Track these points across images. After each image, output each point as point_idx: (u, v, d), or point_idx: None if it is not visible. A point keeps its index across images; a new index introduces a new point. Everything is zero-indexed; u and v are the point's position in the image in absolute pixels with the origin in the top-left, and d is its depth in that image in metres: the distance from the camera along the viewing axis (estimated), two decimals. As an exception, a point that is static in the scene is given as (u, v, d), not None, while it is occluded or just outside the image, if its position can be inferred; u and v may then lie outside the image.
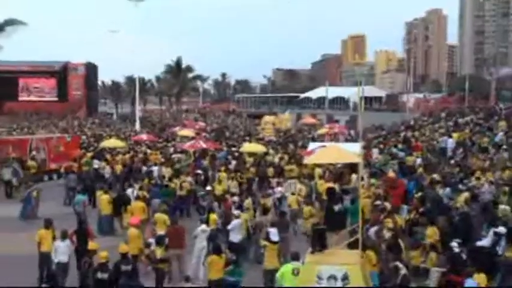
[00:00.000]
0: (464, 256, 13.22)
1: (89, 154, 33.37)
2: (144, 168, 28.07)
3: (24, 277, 13.98)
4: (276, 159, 31.08)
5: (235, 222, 16.36)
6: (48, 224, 14.87)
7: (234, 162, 29.96)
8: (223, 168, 27.02)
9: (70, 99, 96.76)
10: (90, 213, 20.36)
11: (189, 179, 24.51)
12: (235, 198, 19.20)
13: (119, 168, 28.51)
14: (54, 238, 14.32)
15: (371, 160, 29.36)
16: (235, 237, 16.08)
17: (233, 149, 36.78)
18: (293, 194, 21.49)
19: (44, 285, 11.91)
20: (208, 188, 21.77)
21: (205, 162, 30.15)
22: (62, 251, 13.79)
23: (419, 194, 19.10)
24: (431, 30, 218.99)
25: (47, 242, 14.34)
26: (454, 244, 13.64)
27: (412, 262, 14.28)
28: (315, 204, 21.60)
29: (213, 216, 16.94)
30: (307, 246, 15.20)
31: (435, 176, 22.25)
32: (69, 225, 16.08)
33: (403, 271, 12.11)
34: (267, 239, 14.17)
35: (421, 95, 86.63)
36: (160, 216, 16.95)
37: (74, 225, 16.30)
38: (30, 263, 14.81)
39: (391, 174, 23.18)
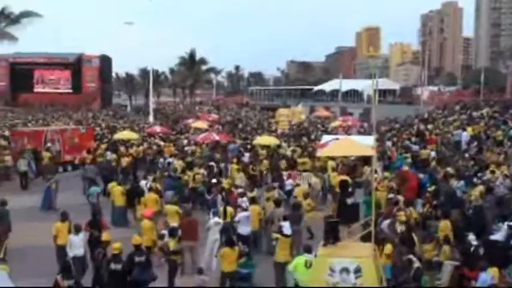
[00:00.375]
0: (480, 250, 13.17)
1: (103, 146, 33.61)
2: (161, 160, 28.17)
3: (41, 267, 14.11)
4: (289, 152, 31.05)
5: (242, 214, 16.40)
6: (64, 217, 14.93)
7: (247, 155, 30.03)
8: (235, 161, 27.08)
9: (84, 91, 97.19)
10: (106, 205, 20.45)
11: (202, 171, 24.57)
12: (240, 190, 19.26)
13: (125, 161, 28.63)
14: (69, 231, 14.32)
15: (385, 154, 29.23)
16: (243, 229, 16.09)
17: (246, 141, 36.81)
18: (310, 184, 21.56)
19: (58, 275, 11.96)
20: (214, 180, 21.66)
21: (218, 155, 30.21)
22: (76, 245, 13.75)
23: (433, 187, 19.04)
24: (446, 22, 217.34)
25: (63, 235, 14.39)
26: (472, 237, 13.59)
27: (425, 255, 14.26)
28: (327, 197, 21.67)
29: (230, 209, 16.96)
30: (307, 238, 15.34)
31: (449, 169, 22.15)
32: (85, 216, 16.29)
33: (416, 264, 12.10)
34: (280, 232, 14.19)
35: (435, 88, 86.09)
36: (171, 208, 17.05)
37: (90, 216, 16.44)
38: (46, 254, 14.98)
39: (404, 167, 23.12)
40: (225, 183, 21.74)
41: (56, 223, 14.85)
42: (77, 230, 13.96)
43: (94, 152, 30.78)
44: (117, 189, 20.36)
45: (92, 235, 14.75)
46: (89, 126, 44.79)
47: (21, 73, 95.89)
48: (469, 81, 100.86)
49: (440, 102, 64.09)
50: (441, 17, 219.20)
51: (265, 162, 28.28)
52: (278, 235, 14.04)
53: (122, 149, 32.33)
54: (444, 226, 14.85)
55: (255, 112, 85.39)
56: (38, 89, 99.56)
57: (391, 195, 18.32)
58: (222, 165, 27.20)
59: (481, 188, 18.41)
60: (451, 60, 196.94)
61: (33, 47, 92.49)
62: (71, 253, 13.61)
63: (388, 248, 12.83)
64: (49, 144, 31.42)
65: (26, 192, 26.10)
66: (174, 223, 16.02)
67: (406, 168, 23.00)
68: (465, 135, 31.97)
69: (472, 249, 13.17)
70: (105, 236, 13.57)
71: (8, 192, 22.95)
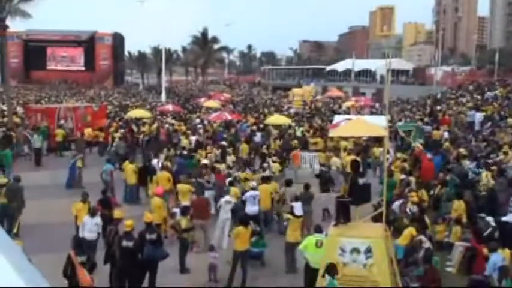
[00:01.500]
0: (496, 233, 13.17)
1: (115, 124, 33.74)
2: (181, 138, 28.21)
3: (53, 244, 14.25)
4: (299, 133, 31.02)
5: (248, 193, 16.37)
6: (84, 197, 14.93)
7: (259, 134, 29.98)
8: (243, 140, 27.11)
9: (97, 69, 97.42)
10: (120, 183, 20.60)
11: (215, 150, 24.60)
12: (225, 171, 19.74)
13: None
14: (89, 211, 14.08)
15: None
16: (250, 208, 16.05)
17: (258, 121, 36.79)
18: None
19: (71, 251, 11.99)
20: (205, 161, 21.25)
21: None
22: (88, 228, 13.37)
23: (445, 167, 18.99)
24: (461, 1, 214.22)
25: (82, 216, 14.18)
26: (490, 219, 13.57)
27: (437, 236, 14.26)
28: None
29: (235, 190, 16.99)
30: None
31: (462, 150, 22.03)
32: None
33: (427, 245, 12.11)
34: (291, 212, 14.20)
35: (449, 68, 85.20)
36: (184, 187, 17.07)
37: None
38: (58, 230, 15.15)
39: (418, 147, 23.05)
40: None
41: (76, 203, 14.84)
42: (93, 213, 13.65)
43: (106, 130, 30.95)
44: (129, 168, 20.42)
45: (103, 213, 14.88)
46: (102, 104, 44.96)
47: (35, 50, 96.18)
48: (483, 61, 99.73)
49: (454, 83, 63.52)
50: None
51: (277, 142, 28.25)
52: (290, 216, 14.06)
53: (134, 127, 32.49)
54: (458, 206, 14.81)
55: (267, 92, 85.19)
56: (50, 66, 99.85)
57: (402, 176, 18.29)
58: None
59: (493, 169, 18.30)
60: (465, 40, 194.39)
61: (46, 25, 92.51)
62: (81, 234, 13.52)
63: (411, 231, 12.81)
64: (62, 122, 31.57)
65: (40, 169, 26.27)
66: (185, 202, 16.11)
67: (419, 147, 22.93)
68: (478, 116, 31.71)
69: (489, 230, 13.15)
70: (117, 213, 13.62)
71: (21, 169, 23.16)
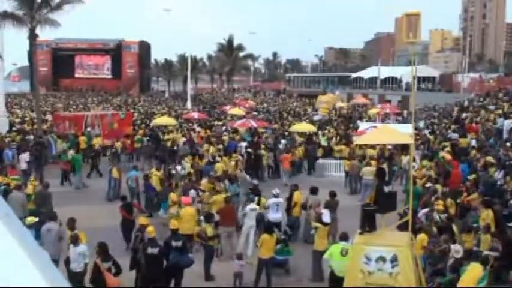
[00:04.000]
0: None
1: (141, 131, 34.01)
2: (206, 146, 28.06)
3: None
4: (323, 141, 30.92)
5: (271, 200, 16.37)
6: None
7: (283, 142, 29.93)
8: (262, 146, 27.09)
9: (124, 76, 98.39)
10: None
11: (239, 157, 24.65)
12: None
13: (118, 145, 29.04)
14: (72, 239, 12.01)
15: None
16: (273, 216, 16.07)
17: (283, 128, 36.79)
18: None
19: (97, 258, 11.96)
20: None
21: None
22: (72, 258, 11.72)
23: (473, 176, 18.74)
24: (489, 8, 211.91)
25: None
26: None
27: (465, 245, 14.06)
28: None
29: (263, 200, 16.94)
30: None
31: (489, 158, 21.72)
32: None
33: (460, 254, 11.83)
34: (319, 220, 14.12)
35: (476, 75, 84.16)
36: (221, 198, 16.52)
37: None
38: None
39: (446, 156, 22.79)
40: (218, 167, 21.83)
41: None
42: (75, 241, 11.73)
43: (132, 137, 31.18)
44: (155, 175, 20.44)
45: (125, 218, 15.00)
46: (128, 112, 45.38)
47: (63, 58, 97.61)
48: (511, 68, 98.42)
49: (482, 90, 62.68)
50: (484, 2, 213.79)
51: (301, 149, 28.17)
52: (318, 224, 13.95)
53: (160, 134, 32.74)
54: (486, 215, 14.60)
55: (291, 100, 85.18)
56: (78, 74, 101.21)
57: (428, 184, 18.11)
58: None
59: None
60: (493, 47, 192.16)
61: (75, 33, 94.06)
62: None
63: (423, 238, 12.66)
64: (89, 129, 31.92)
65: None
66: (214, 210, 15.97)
67: (448, 156, 22.69)
68: (507, 124, 31.23)
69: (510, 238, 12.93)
70: (142, 220, 13.69)
71: (49, 175, 23.46)
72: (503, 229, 13.88)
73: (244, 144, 28.43)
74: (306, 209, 16.59)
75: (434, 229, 13.94)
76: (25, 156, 23.94)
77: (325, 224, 13.90)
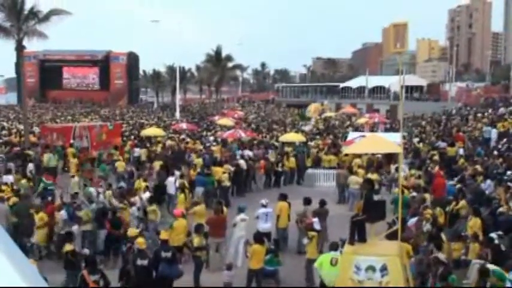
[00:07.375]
0: (503, 248, 13.00)
1: (130, 142, 33.87)
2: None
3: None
4: (313, 150, 30.98)
5: (260, 211, 16.23)
6: None
7: (271, 152, 29.78)
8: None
9: (112, 87, 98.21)
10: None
11: (230, 168, 24.55)
12: None
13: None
14: None
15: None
16: (262, 226, 15.94)
17: (272, 139, 36.80)
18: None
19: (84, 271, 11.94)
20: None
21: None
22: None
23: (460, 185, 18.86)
24: (475, 17, 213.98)
25: None
26: (494, 235, 13.41)
27: (454, 254, 14.11)
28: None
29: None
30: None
31: (477, 167, 21.85)
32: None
33: (444, 262, 11.93)
34: (312, 229, 14.09)
35: (463, 84, 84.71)
36: (201, 209, 16.69)
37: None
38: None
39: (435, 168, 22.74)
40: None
41: None
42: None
43: (121, 149, 31.03)
44: (143, 186, 20.33)
45: (111, 232, 14.93)
46: (117, 123, 45.23)
47: (51, 70, 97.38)
48: (498, 77, 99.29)
49: (469, 99, 63.18)
50: (470, 12, 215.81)
51: (292, 159, 28.10)
52: (313, 233, 13.92)
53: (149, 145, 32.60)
54: (474, 224, 14.68)
55: (280, 109, 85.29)
56: (66, 85, 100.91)
57: (413, 194, 18.20)
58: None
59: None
60: (479, 56, 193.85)
61: (62, 45, 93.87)
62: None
63: (406, 247, 12.68)
64: (77, 140, 31.72)
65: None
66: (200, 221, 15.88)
67: (437, 168, 22.74)
68: (494, 132, 31.49)
69: (498, 247, 12.99)
70: (131, 231, 13.69)
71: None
72: (492, 238, 13.93)
73: (250, 153, 28.58)
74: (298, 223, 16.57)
75: (423, 238, 14.00)
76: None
77: (317, 231, 13.94)
